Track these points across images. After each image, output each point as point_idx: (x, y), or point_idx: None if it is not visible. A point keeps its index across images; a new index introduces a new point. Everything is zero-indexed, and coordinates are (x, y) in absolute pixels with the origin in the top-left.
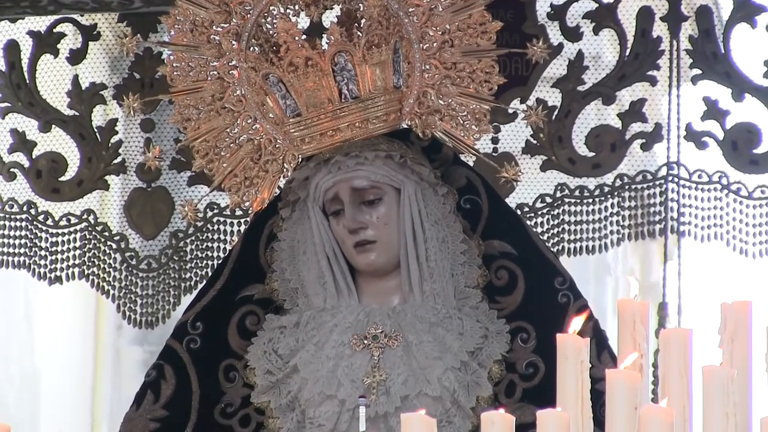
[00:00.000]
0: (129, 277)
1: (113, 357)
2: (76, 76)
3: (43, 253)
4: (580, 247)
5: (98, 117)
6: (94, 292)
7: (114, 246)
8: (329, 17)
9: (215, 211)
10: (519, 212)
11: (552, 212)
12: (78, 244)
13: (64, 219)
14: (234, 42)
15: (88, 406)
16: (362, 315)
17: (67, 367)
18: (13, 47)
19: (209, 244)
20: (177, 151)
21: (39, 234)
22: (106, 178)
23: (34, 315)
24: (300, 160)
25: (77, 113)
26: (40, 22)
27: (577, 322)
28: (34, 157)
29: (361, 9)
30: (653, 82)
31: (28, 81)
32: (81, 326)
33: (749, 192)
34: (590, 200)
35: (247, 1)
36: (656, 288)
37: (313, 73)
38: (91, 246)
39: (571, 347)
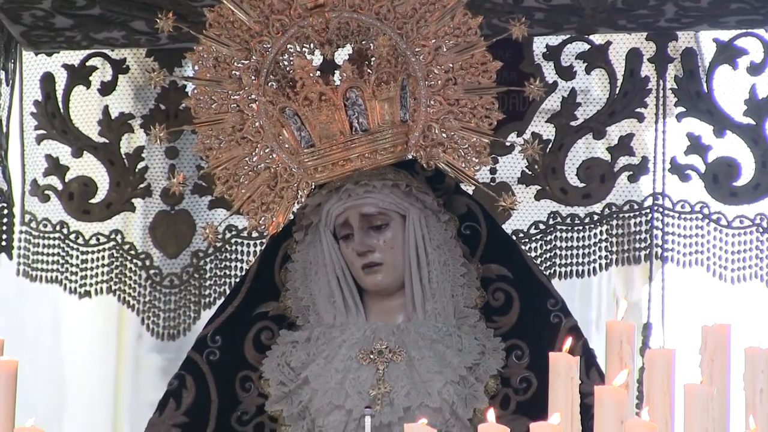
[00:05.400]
0: (153, 293)
1: (133, 364)
2: (106, 107)
3: (74, 269)
4: (571, 271)
5: (126, 144)
6: (117, 304)
7: (139, 264)
8: (341, 55)
9: (233, 233)
10: (514, 238)
11: (545, 238)
12: (106, 261)
13: (93, 238)
14: (254, 77)
15: (110, 409)
16: (369, 331)
17: (91, 373)
18: (48, 79)
19: (227, 264)
20: (199, 177)
21: (70, 252)
22: (133, 200)
23: (61, 324)
24: (313, 187)
25: (107, 141)
26: (74, 56)
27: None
28: (66, 180)
29: (372, 48)
30: (640, 118)
31: (62, 110)
32: (104, 335)
33: (728, 222)
34: (580, 227)
35: (266, 39)
36: (636, 308)
37: (327, 107)
38: (118, 263)
39: (563, 365)
